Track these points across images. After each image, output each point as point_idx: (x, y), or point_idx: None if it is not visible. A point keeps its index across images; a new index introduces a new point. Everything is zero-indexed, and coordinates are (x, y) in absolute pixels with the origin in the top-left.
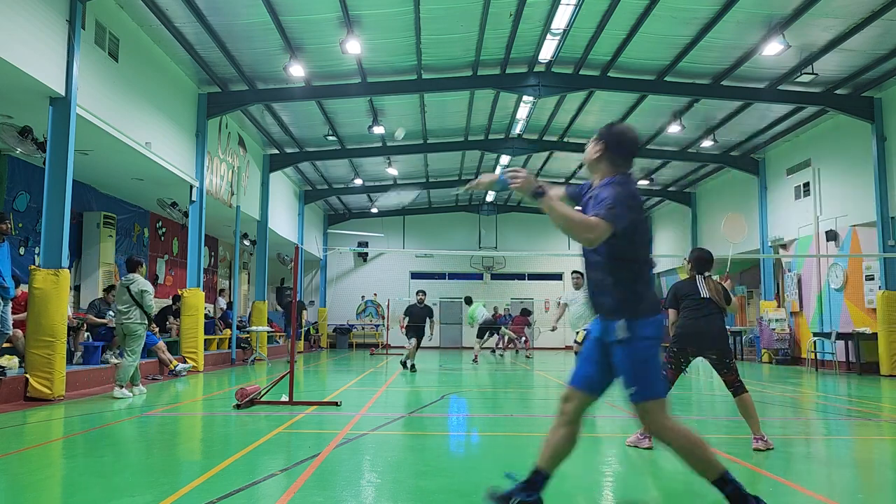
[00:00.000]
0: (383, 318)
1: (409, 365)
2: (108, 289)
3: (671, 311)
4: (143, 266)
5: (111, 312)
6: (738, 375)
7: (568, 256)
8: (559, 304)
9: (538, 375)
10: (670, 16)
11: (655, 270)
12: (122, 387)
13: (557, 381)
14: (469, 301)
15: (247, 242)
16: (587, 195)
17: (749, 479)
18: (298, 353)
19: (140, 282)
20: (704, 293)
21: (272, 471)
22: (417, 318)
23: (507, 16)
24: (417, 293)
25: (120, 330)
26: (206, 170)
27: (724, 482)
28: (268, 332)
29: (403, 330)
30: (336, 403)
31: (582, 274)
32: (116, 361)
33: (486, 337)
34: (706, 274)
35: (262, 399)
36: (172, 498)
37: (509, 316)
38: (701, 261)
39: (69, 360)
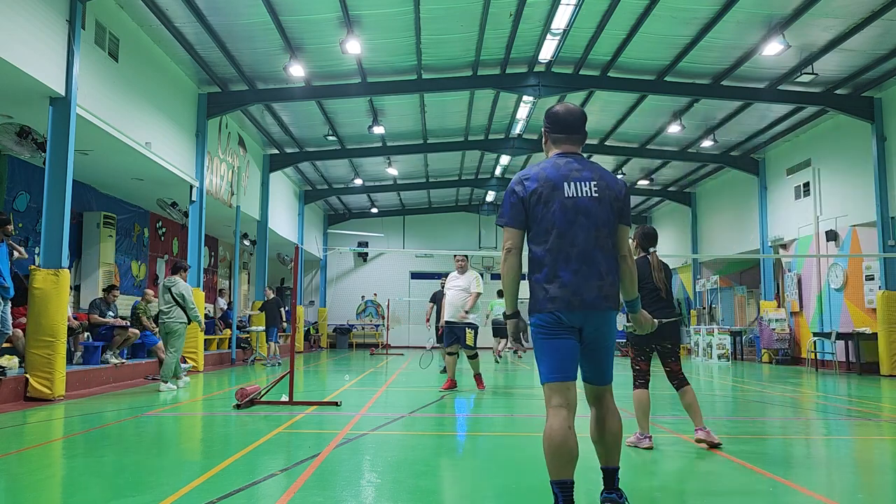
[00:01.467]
0: (383, 318)
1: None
2: (108, 289)
3: None
4: (186, 270)
5: (111, 312)
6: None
7: None
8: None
9: (538, 375)
10: (670, 16)
11: None
12: (166, 381)
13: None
14: (501, 294)
15: (247, 242)
16: None
17: (749, 478)
18: (298, 352)
19: (181, 284)
20: (657, 283)
21: (272, 471)
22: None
23: (507, 16)
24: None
25: (162, 328)
26: (206, 170)
27: (556, 486)
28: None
29: (429, 324)
30: (336, 403)
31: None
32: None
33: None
34: (651, 250)
35: (262, 399)
36: (172, 498)
37: None
38: (647, 237)
39: (69, 360)
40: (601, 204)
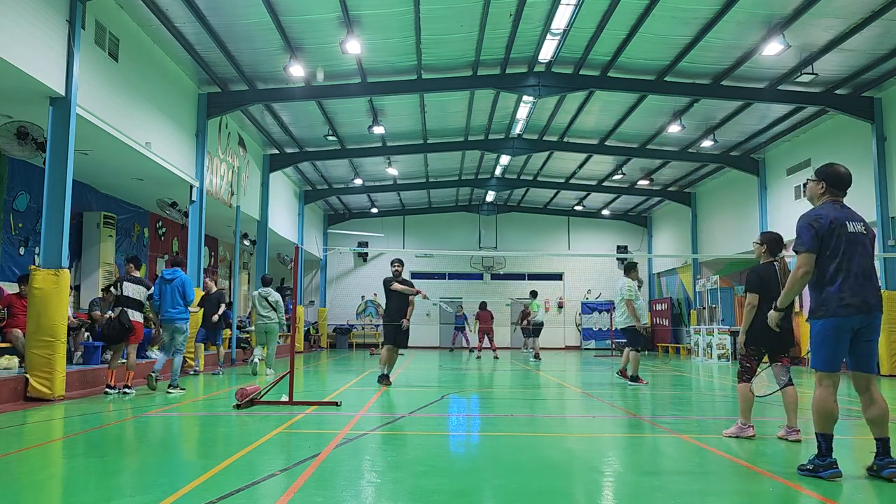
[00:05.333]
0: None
1: (386, 376)
2: (107, 288)
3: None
4: (273, 280)
5: (111, 312)
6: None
7: (568, 256)
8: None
9: (538, 375)
10: (670, 16)
11: (655, 270)
12: (269, 367)
13: (557, 381)
14: (535, 294)
15: (247, 242)
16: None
17: (749, 478)
18: (298, 353)
19: (275, 294)
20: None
21: (272, 471)
22: (391, 304)
23: (507, 16)
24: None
25: (261, 328)
26: (206, 170)
27: (820, 437)
28: None
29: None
30: (336, 403)
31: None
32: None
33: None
34: (780, 256)
35: (262, 399)
36: (172, 498)
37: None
38: (778, 243)
39: (69, 360)
40: (867, 238)
